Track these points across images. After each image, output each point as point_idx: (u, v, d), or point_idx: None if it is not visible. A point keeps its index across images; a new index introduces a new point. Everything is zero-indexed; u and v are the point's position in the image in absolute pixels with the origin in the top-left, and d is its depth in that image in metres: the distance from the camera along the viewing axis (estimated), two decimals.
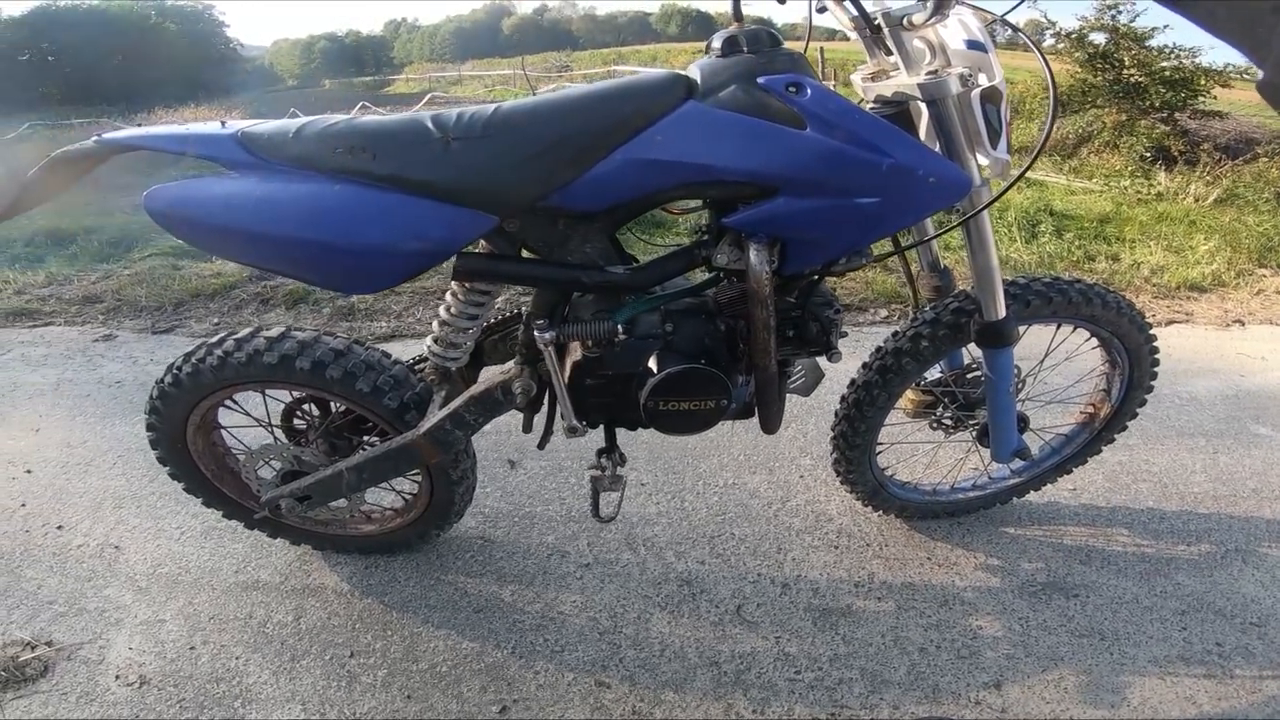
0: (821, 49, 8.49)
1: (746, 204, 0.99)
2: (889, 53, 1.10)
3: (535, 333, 1.04)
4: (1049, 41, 7.29)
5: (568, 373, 1.10)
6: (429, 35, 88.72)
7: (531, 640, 1.35)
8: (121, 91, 11.56)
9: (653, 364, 1.08)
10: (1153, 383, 1.47)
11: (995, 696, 1.21)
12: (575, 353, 1.10)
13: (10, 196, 1.07)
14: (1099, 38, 6.89)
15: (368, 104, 11.05)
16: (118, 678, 1.27)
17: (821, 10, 1.18)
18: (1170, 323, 2.96)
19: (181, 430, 1.25)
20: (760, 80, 0.95)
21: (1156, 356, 1.43)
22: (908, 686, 1.22)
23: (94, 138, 1.03)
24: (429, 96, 11.46)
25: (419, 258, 0.99)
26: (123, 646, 1.33)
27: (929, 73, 1.03)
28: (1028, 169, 1.20)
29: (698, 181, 0.98)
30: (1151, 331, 1.39)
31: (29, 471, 1.93)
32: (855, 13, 1.08)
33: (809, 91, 0.94)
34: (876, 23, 1.07)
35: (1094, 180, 6.42)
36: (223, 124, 1.02)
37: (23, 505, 1.77)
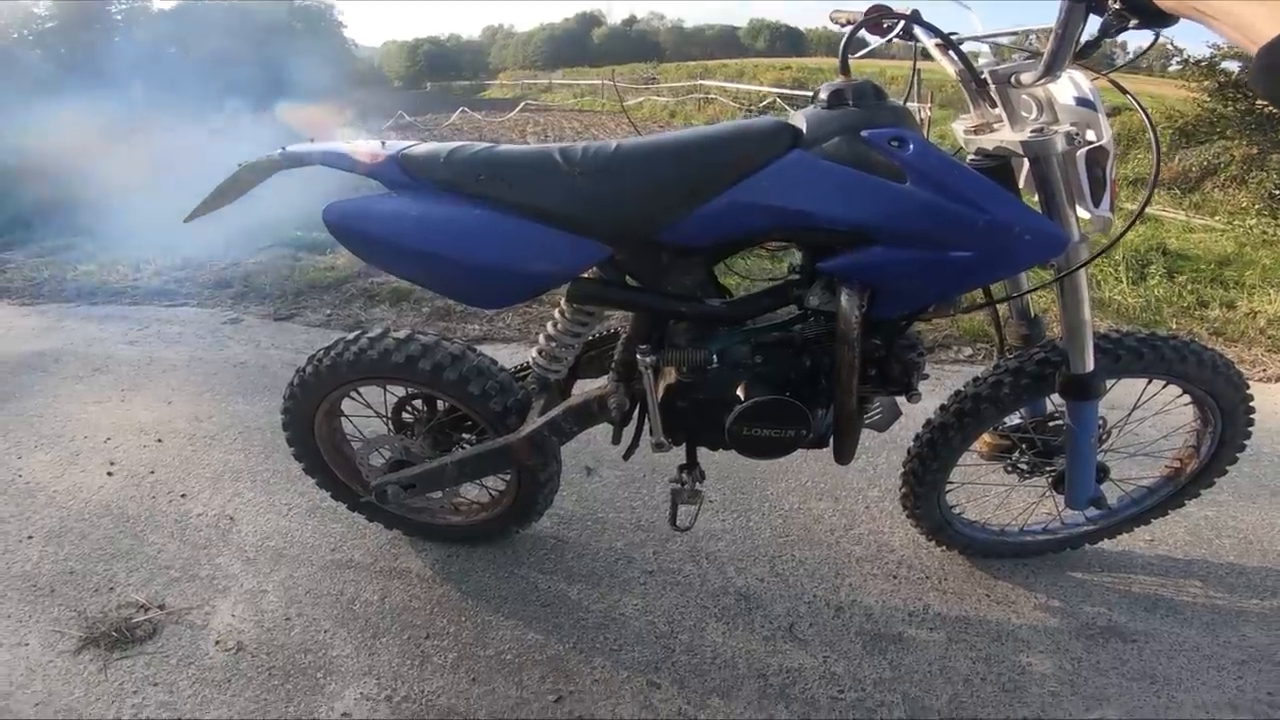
0: (918, 70, 8.37)
1: (842, 250, 1.05)
2: (993, 104, 1.12)
3: (638, 356, 1.14)
4: (1174, 67, 6.98)
5: (660, 393, 1.20)
6: (523, 42, 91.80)
7: (592, 638, 1.47)
8: (251, 89, 12.58)
9: (740, 392, 1.17)
10: (1246, 442, 1.45)
11: None
12: (669, 376, 1.19)
13: (205, 199, 1.30)
14: (1232, 65, 6.55)
15: (404, 113, 11.66)
16: (217, 643, 1.45)
17: (926, 58, 1.23)
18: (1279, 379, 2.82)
19: (312, 415, 1.45)
20: (864, 134, 1.00)
21: (1252, 416, 1.40)
22: (947, 714, 1.27)
23: (278, 151, 1.23)
24: (522, 104, 11.93)
25: (541, 279, 1.13)
26: (226, 613, 1.53)
27: (1034, 130, 1.05)
28: (1126, 230, 1.21)
29: (797, 226, 1.05)
30: (1249, 391, 1.38)
31: (159, 440, 2.21)
32: (960, 65, 1.12)
33: (911, 146, 0.99)
34: (983, 76, 1.09)
35: (1216, 217, 6.09)
36: (383, 144, 1.18)
37: (151, 472, 2.04)
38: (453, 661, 1.41)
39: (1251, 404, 1.39)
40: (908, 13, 1.25)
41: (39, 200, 5.64)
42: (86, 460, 2.10)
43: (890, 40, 1.24)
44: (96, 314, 3.52)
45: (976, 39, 1.19)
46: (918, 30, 1.21)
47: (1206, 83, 6.76)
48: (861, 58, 1.15)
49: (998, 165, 1.12)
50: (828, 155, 1.01)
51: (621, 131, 11.97)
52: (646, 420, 1.26)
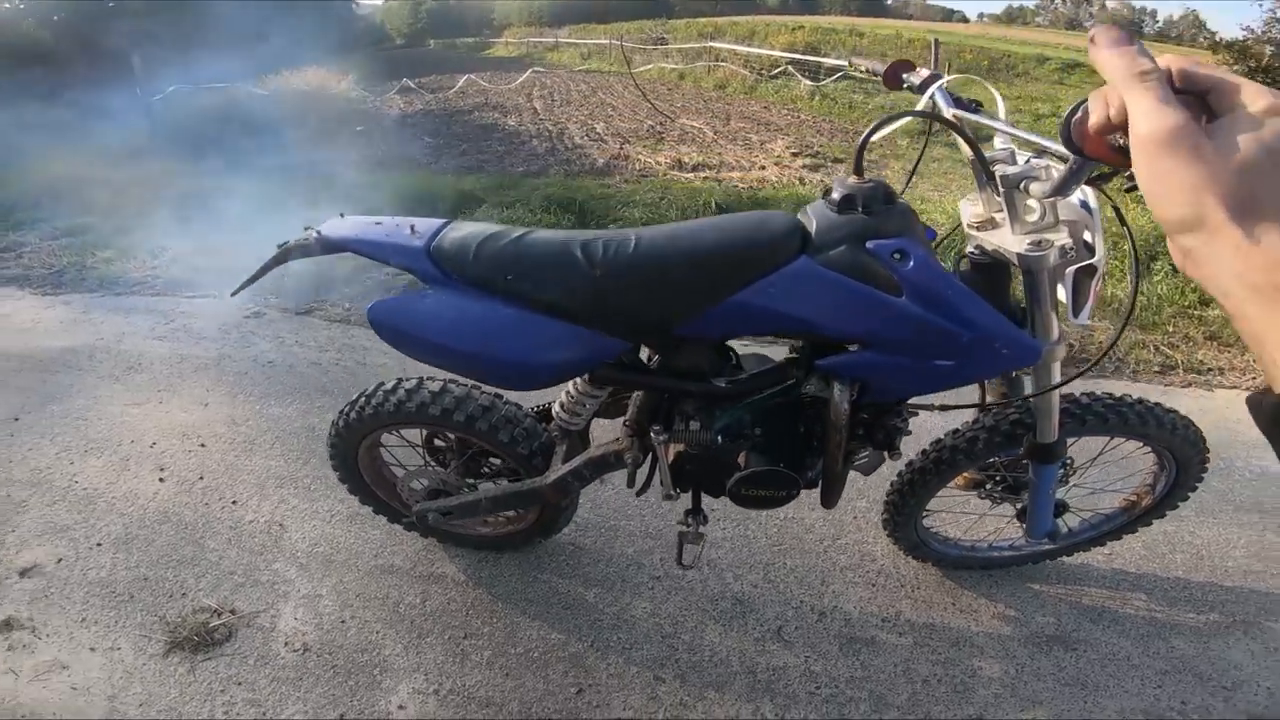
0: (936, 40, 8.42)
1: (838, 350, 1.21)
2: (998, 191, 1.17)
3: (651, 433, 1.35)
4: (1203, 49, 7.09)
5: (670, 456, 1.39)
6: None
7: (607, 637, 1.75)
8: (251, 51, 12.68)
9: (741, 459, 1.36)
10: (1198, 483, 1.67)
11: None
12: (678, 444, 1.39)
13: (249, 276, 1.52)
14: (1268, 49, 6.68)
15: (409, 81, 11.69)
16: (286, 644, 1.74)
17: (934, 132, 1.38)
18: (1268, 389, 3.03)
19: (355, 451, 1.70)
20: (869, 245, 1.12)
21: (1206, 465, 1.61)
22: (905, 710, 1.56)
23: (314, 234, 1.41)
24: (531, 70, 11.93)
25: (567, 370, 1.31)
26: (289, 616, 1.81)
27: (1031, 243, 1.12)
28: (1101, 357, 1.36)
29: (799, 330, 1.21)
30: (1205, 448, 1.58)
31: (203, 445, 2.48)
32: (973, 156, 1.18)
33: (911, 261, 1.11)
34: (994, 168, 1.16)
35: None
36: (412, 229, 1.33)
37: (200, 479, 2.31)
38: (488, 659, 1.69)
39: (1207, 456, 1.61)
40: (930, 73, 1.41)
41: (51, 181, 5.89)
42: (137, 466, 2.37)
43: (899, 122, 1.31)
44: (121, 306, 3.77)
45: (996, 124, 1.23)
46: (937, 96, 1.34)
47: (1237, 67, 6.85)
48: (882, 128, 1.20)
49: (993, 263, 1.22)
50: (832, 264, 1.14)
51: (629, 96, 11.99)
52: (657, 470, 1.47)
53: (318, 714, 1.56)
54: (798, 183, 6.77)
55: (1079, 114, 0.54)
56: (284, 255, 1.43)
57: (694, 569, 1.74)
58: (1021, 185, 1.11)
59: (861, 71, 1.69)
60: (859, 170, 1.16)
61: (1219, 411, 2.76)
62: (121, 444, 2.49)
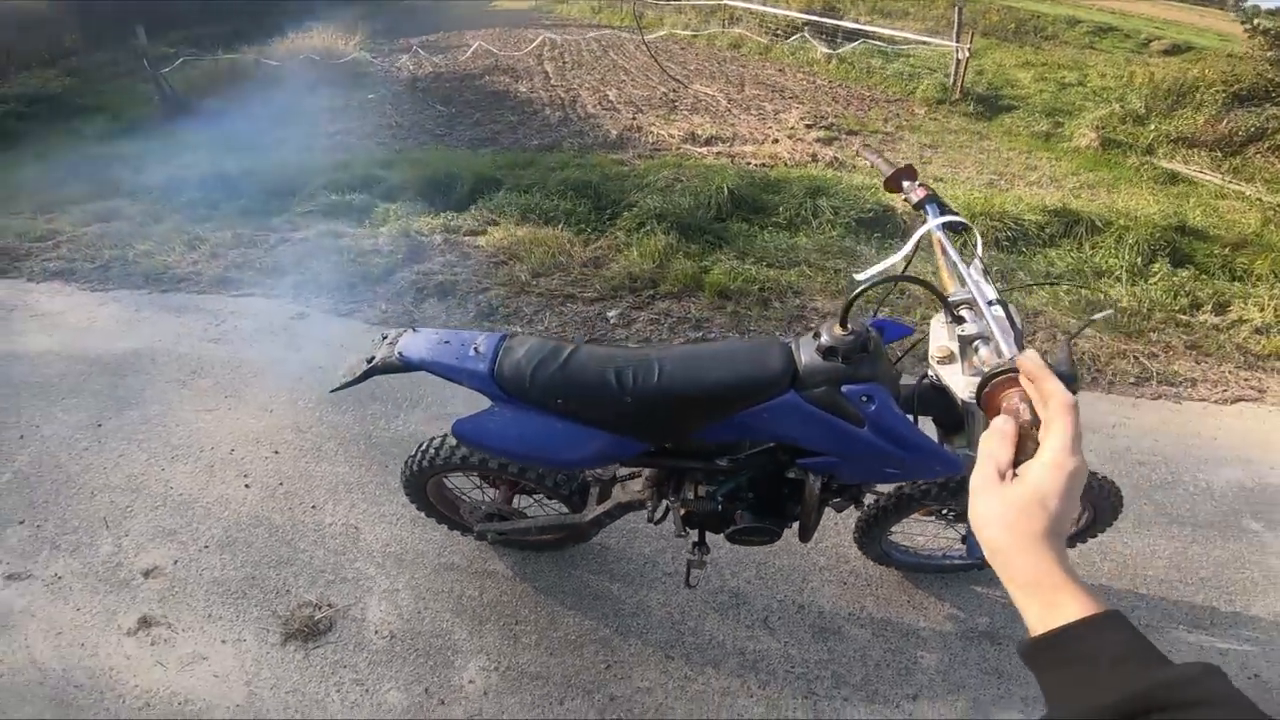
0: (960, 6, 8.50)
1: (814, 455, 1.61)
2: (959, 324, 1.44)
3: (666, 501, 1.85)
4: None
5: (681, 510, 1.86)
6: None
7: (628, 623, 2.26)
8: (252, 12, 12.91)
9: (736, 516, 1.83)
10: (1112, 523, 2.11)
11: (910, 704, 2.04)
12: (687, 505, 1.86)
13: (346, 382, 1.86)
14: None
15: (418, 48, 11.89)
16: (376, 632, 2.25)
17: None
18: (1238, 400, 3.35)
19: (424, 487, 2.17)
20: (844, 389, 1.47)
21: (1120, 511, 2.05)
22: (857, 687, 2.07)
23: (396, 355, 1.74)
24: (542, 37, 12.08)
25: (604, 461, 1.75)
26: (375, 609, 2.32)
27: (973, 390, 1.25)
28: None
29: (784, 441, 1.63)
30: (1120, 501, 2.01)
31: (276, 452, 2.98)
32: (942, 305, 1.46)
33: (875, 404, 1.46)
34: (959, 313, 1.44)
35: (1253, 184, 6.38)
36: (476, 350, 1.68)
37: (280, 484, 2.81)
38: (535, 641, 2.21)
39: (1120, 507, 2.04)
40: (928, 192, 1.72)
41: None
42: (222, 472, 2.87)
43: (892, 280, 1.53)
44: (170, 304, 4.21)
45: (978, 262, 1.49)
46: (927, 208, 1.68)
47: (1271, 53, 6.97)
48: (865, 288, 1.41)
49: (946, 388, 1.44)
50: (813, 400, 1.49)
51: (641, 57, 12.13)
52: (670, 513, 1.94)
53: (407, 689, 2.09)
54: (810, 160, 7.08)
55: (997, 381, 0.83)
56: (373, 371, 1.79)
57: (695, 587, 2.25)
58: (973, 344, 1.41)
59: (868, 165, 2.00)
60: (844, 323, 1.47)
61: (1182, 425, 3.16)
62: (203, 450, 2.99)
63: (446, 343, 1.74)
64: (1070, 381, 1.03)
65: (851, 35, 11.00)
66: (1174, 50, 12.23)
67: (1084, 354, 3.63)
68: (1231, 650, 2.20)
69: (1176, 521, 2.61)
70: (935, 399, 1.53)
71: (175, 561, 2.49)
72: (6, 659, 2.20)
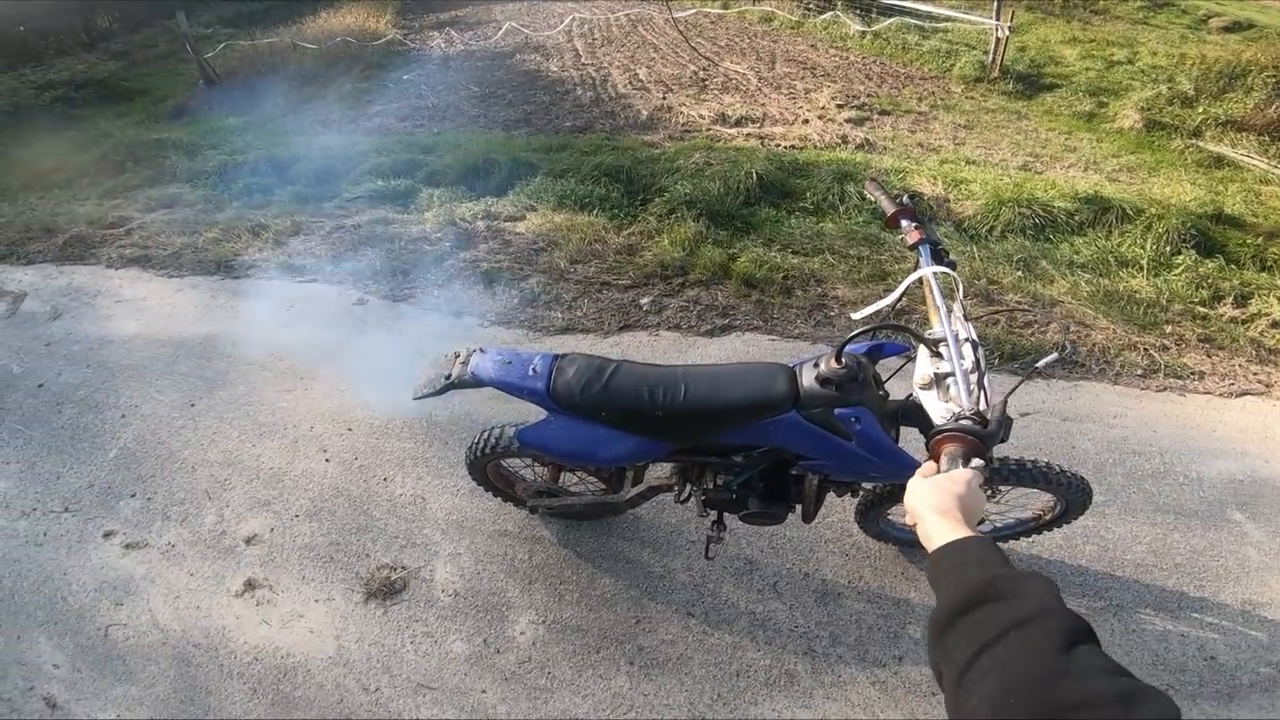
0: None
1: (810, 459, 2.00)
2: (939, 357, 1.74)
3: (689, 488, 2.26)
4: None
5: (702, 495, 2.24)
6: None
7: (655, 584, 2.65)
8: None
9: (749, 501, 2.19)
10: (1082, 514, 2.38)
11: (895, 663, 2.41)
12: (707, 491, 2.24)
13: (428, 392, 2.18)
14: None
15: (452, 32, 11.94)
16: (442, 591, 2.67)
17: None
18: (1243, 394, 3.44)
19: (484, 470, 2.56)
20: (836, 411, 1.84)
21: (1089, 504, 2.32)
22: (851, 645, 2.45)
23: (469, 374, 2.11)
24: (570, 18, 12.25)
25: (640, 459, 2.17)
26: (441, 571, 2.74)
27: (944, 416, 1.60)
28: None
29: (788, 449, 2.00)
30: (1090, 495, 2.25)
31: (350, 430, 3.39)
32: (925, 347, 1.77)
33: (860, 425, 1.84)
34: (936, 351, 1.74)
35: None
36: (533, 370, 2.04)
37: (356, 459, 3.24)
38: (576, 599, 2.62)
39: (1090, 501, 2.30)
40: (922, 235, 1.96)
41: None
42: (304, 448, 3.30)
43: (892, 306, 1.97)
44: (242, 290, 4.63)
45: (958, 307, 1.79)
46: (920, 251, 1.93)
47: None
48: (858, 333, 1.73)
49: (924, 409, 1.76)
50: (811, 419, 1.87)
51: (669, 32, 12.20)
52: (693, 497, 2.33)
53: (469, 640, 2.52)
54: (839, 142, 7.25)
55: (942, 435, 1.30)
56: (450, 386, 2.14)
57: (714, 559, 2.64)
58: (945, 380, 1.70)
59: (874, 199, 2.23)
60: (838, 358, 1.82)
61: (1184, 417, 3.30)
62: (286, 428, 3.43)
63: (509, 363, 2.09)
64: (993, 440, 1.40)
65: (887, 10, 10.97)
66: (1233, 28, 11.85)
67: (1094, 346, 3.75)
68: (1191, 634, 2.43)
69: (1162, 510, 2.82)
70: (918, 414, 1.91)
71: (272, 529, 2.93)
72: (131, 622, 2.66)
